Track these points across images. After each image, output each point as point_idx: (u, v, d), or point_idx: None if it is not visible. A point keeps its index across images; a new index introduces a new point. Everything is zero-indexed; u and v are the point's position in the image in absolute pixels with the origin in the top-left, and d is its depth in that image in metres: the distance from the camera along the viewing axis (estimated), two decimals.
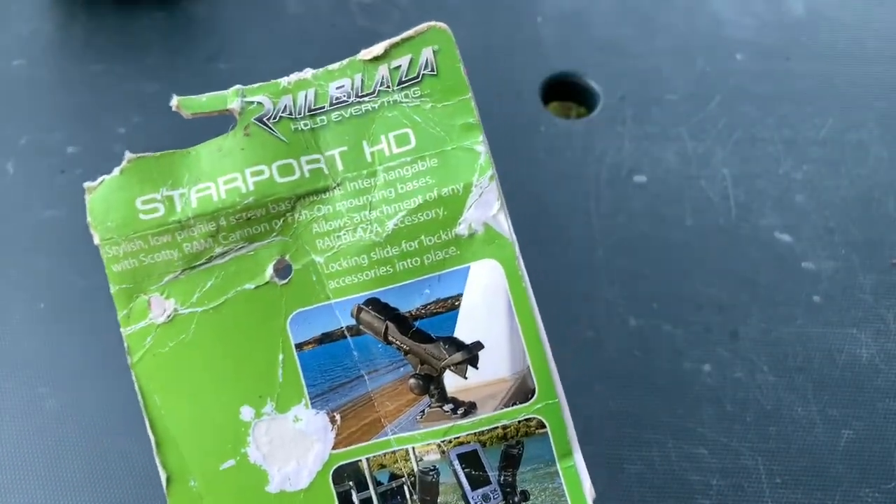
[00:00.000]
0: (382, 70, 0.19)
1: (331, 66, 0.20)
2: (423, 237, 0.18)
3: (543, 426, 0.19)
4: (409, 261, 0.18)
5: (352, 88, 0.19)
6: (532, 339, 0.19)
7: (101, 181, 0.19)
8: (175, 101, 0.19)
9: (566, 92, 0.46)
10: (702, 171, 0.41)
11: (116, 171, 0.19)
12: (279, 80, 0.19)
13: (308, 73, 0.20)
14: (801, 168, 0.42)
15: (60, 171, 0.40)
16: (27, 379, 0.35)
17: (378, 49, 0.19)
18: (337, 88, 0.19)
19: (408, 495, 0.18)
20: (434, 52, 0.20)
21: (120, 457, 0.33)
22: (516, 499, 0.18)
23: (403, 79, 0.19)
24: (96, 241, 0.19)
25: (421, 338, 0.18)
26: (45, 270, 0.37)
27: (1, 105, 0.43)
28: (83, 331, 0.36)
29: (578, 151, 0.42)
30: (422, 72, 0.19)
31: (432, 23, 0.20)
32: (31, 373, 0.35)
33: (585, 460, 0.33)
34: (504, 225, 0.19)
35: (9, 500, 0.32)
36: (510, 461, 0.18)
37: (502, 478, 0.18)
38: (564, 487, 0.19)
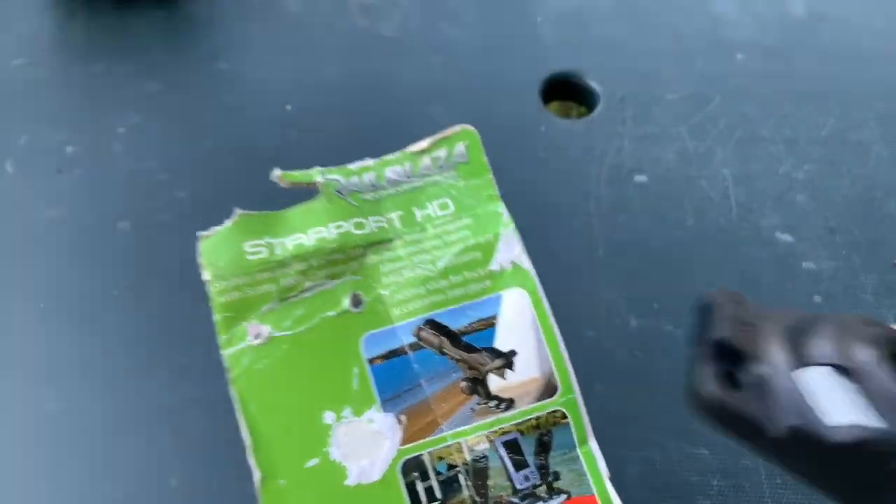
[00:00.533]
0: (426, 159, 0.24)
1: (386, 157, 0.25)
2: (465, 273, 0.23)
3: (566, 417, 0.23)
4: (455, 290, 0.23)
5: (403, 171, 0.24)
6: (553, 346, 0.23)
7: (214, 231, 0.23)
8: (277, 173, 0.24)
9: (566, 92, 0.46)
10: (702, 171, 0.41)
11: (228, 222, 0.23)
12: (348, 166, 0.25)
13: (369, 161, 0.25)
14: (801, 168, 0.42)
15: (59, 171, 0.40)
16: (27, 378, 0.34)
17: (423, 144, 0.25)
18: (392, 172, 0.24)
19: (462, 481, 0.22)
20: (465, 146, 0.25)
21: (121, 456, 0.33)
22: (550, 478, 0.22)
23: (442, 164, 0.25)
24: (206, 277, 0.23)
25: (469, 349, 0.22)
26: (44, 270, 0.37)
27: (1, 105, 0.43)
28: (83, 331, 0.36)
29: (579, 151, 0.42)
30: (455, 160, 0.25)
31: (465, 126, 0.25)
32: (31, 373, 0.35)
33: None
34: (525, 262, 0.24)
35: (10, 499, 0.32)
36: (543, 447, 0.22)
37: (538, 461, 0.22)
38: (585, 468, 0.23)
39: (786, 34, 0.46)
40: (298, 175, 0.24)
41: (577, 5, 0.48)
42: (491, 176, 0.25)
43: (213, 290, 0.23)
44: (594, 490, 0.23)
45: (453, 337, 0.22)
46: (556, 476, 0.22)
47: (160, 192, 0.40)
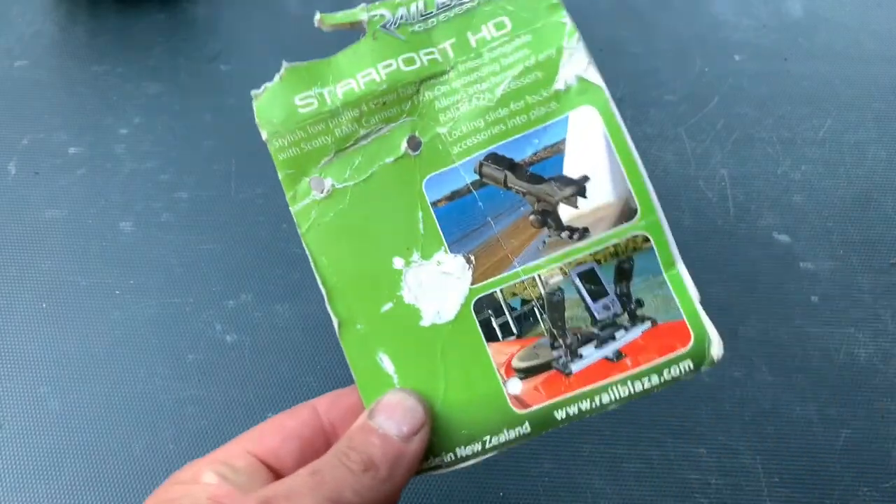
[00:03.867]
0: None
1: None
2: (527, 97, 0.22)
3: (648, 241, 0.22)
4: (517, 118, 0.22)
5: None
6: (630, 166, 0.22)
7: (265, 88, 0.23)
8: (318, 16, 0.23)
9: None
10: (700, 172, 0.42)
11: (277, 77, 0.23)
12: None
13: None
14: (799, 168, 0.42)
15: (62, 172, 0.41)
16: (29, 378, 0.35)
17: None
18: None
19: (538, 315, 0.22)
20: None
21: (121, 456, 0.33)
22: (632, 306, 0.21)
23: None
24: (264, 136, 0.23)
25: (536, 180, 0.21)
26: (47, 270, 0.37)
27: (3, 106, 0.43)
28: (85, 331, 0.36)
29: None
30: None
31: None
32: (33, 372, 0.35)
33: (583, 458, 0.33)
34: (595, 76, 0.22)
35: (11, 499, 0.32)
36: (623, 274, 0.21)
37: (618, 289, 0.21)
38: (672, 292, 0.21)
39: (783, 35, 0.47)
40: (340, 16, 0.23)
41: (575, 6, 0.48)
42: None
43: (272, 148, 0.23)
44: (683, 315, 0.21)
45: (518, 169, 0.22)
46: (640, 303, 0.21)
47: (161, 192, 0.40)
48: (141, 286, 0.37)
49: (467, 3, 0.23)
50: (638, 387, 0.21)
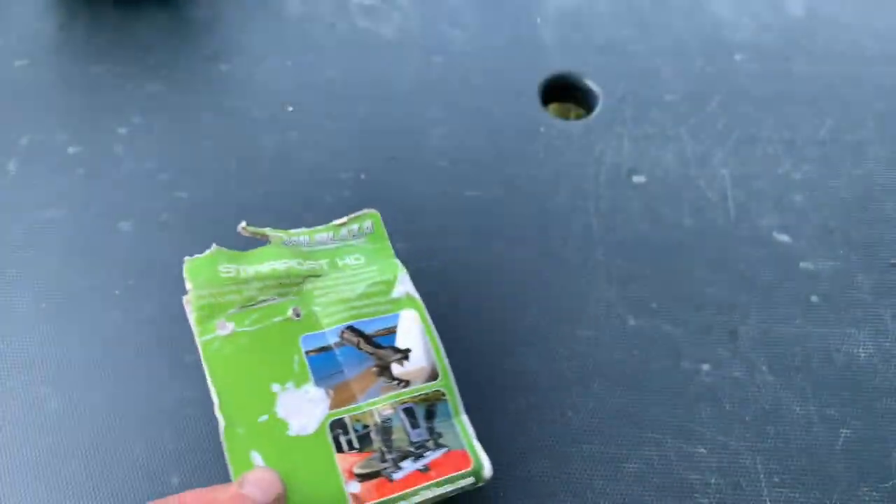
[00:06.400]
0: (344, 230, 0.35)
1: (317, 227, 0.34)
2: (374, 298, 0.32)
3: (444, 395, 0.31)
4: (368, 308, 0.32)
5: (328, 237, 0.34)
6: (436, 348, 0.32)
7: (196, 256, 0.31)
8: (243, 224, 0.33)
9: (566, 93, 0.46)
10: (701, 172, 0.42)
11: (207, 252, 0.31)
12: (290, 230, 0.34)
13: (304, 229, 0.34)
14: (800, 168, 0.42)
15: (62, 172, 0.41)
16: (29, 379, 0.35)
17: (343, 220, 0.35)
18: (320, 237, 0.34)
19: (374, 436, 0.30)
20: (372, 223, 0.35)
21: (121, 457, 0.33)
22: (435, 436, 0.30)
23: (355, 234, 0.35)
24: (188, 287, 0.31)
25: (377, 346, 0.32)
26: (46, 270, 0.37)
27: (3, 105, 0.43)
28: (84, 331, 0.36)
29: (578, 152, 0.42)
30: (364, 232, 0.35)
31: (371, 210, 0.35)
32: (32, 373, 0.35)
33: (583, 458, 0.33)
34: (415, 294, 0.33)
35: (11, 499, 0.32)
36: (430, 414, 0.31)
37: (427, 424, 0.31)
38: (459, 431, 0.31)
39: (784, 35, 0.47)
40: (257, 230, 0.33)
41: (576, 7, 0.48)
42: (389, 243, 0.35)
43: (193, 296, 0.31)
44: (465, 447, 0.31)
45: (367, 338, 0.32)
46: (440, 435, 0.31)
47: (161, 192, 0.40)
48: (141, 286, 0.37)
49: (338, 243, 0.34)
50: (439, 491, 0.29)
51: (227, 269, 0.31)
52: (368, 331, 0.31)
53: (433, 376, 0.31)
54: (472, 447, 0.31)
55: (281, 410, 0.29)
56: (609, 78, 0.45)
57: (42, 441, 0.33)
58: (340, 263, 0.33)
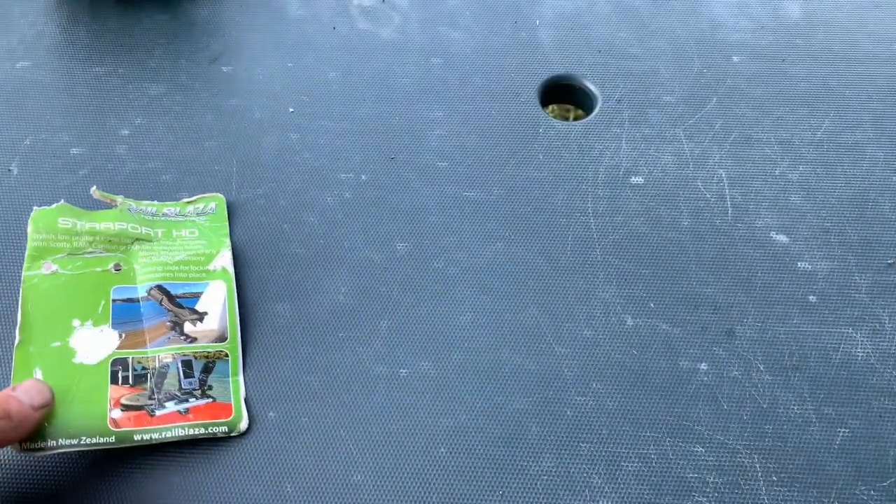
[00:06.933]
0: (190, 207, 0.39)
1: (167, 202, 0.39)
2: (191, 266, 0.37)
3: (227, 356, 0.35)
4: (182, 274, 0.37)
5: (175, 211, 0.39)
6: (232, 316, 0.36)
7: (42, 208, 0.37)
8: (94, 188, 0.38)
9: (564, 94, 0.47)
10: (698, 172, 0.42)
11: (55, 205, 0.37)
12: (141, 201, 0.39)
13: (156, 202, 0.39)
14: (797, 169, 0.42)
15: (64, 173, 0.41)
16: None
17: (192, 199, 0.40)
18: (168, 210, 0.39)
19: (149, 378, 0.34)
20: (216, 204, 0.40)
21: (122, 456, 0.33)
22: (205, 388, 0.34)
23: (199, 212, 0.39)
24: (29, 230, 0.36)
25: (178, 306, 0.36)
26: None
27: (6, 107, 0.43)
28: None
29: (576, 153, 0.42)
30: (208, 211, 0.39)
31: (217, 193, 0.40)
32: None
33: (582, 457, 0.33)
34: (231, 270, 0.37)
35: (11, 498, 0.32)
36: (207, 369, 0.35)
37: (201, 377, 0.35)
38: (231, 388, 0.35)
39: (781, 37, 0.47)
40: (107, 195, 0.38)
41: (574, 9, 0.48)
42: (226, 224, 0.39)
43: (29, 238, 0.36)
44: (232, 401, 0.34)
45: (171, 297, 0.36)
46: (210, 388, 0.34)
47: (163, 193, 0.40)
48: None
49: (181, 217, 0.39)
50: (191, 431, 0.33)
51: (65, 222, 0.36)
52: (175, 292, 0.36)
53: (222, 339, 0.35)
54: (237, 403, 0.34)
55: (73, 341, 0.34)
56: (607, 79, 0.45)
57: None
58: (175, 234, 0.38)
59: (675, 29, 0.47)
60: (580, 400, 0.35)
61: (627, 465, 0.34)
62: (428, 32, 0.47)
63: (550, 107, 0.47)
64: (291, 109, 0.44)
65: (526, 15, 0.48)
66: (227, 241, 0.38)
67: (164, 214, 0.39)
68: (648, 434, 0.34)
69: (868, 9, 0.48)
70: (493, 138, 0.43)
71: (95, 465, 0.33)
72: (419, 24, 0.47)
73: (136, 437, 0.32)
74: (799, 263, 0.39)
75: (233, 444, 0.34)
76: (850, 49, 0.46)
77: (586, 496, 0.33)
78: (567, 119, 0.47)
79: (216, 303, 0.36)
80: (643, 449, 0.34)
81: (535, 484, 0.33)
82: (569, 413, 0.35)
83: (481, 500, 0.33)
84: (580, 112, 0.46)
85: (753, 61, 0.46)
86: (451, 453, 0.34)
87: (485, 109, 0.44)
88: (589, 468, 0.34)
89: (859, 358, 0.36)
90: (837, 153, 0.42)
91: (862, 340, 0.37)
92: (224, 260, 0.37)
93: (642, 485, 0.33)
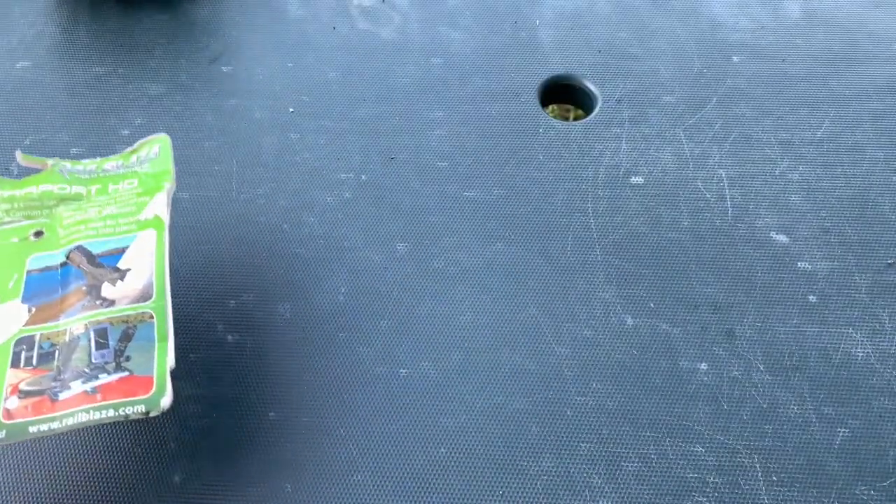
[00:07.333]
0: (134, 157, 0.35)
1: (109, 157, 0.35)
2: (120, 219, 0.32)
3: (152, 317, 0.30)
4: (108, 230, 0.32)
5: (117, 165, 0.35)
6: (160, 268, 0.31)
7: None
8: (19, 154, 0.34)
9: (564, 94, 0.47)
10: (698, 172, 0.42)
11: None
12: (80, 160, 0.35)
13: (97, 158, 0.35)
14: (797, 169, 0.42)
15: None
16: None
17: (134, 147, 0.35)
18: (110, 165, 0.35)
19: (56, 355, 0.29)
20: (159, 147, 0.35)
21: (122, 456, 0.33)
22: (121, 359, 0.29)
23: (143, 160, 0.35)
24: None
25: (98, 265, 0.31)
26: None
27: (6, 107, 0.43)
28: None
29: (576, 153, 0.42)
30: (151, 156, 0.35)
31: (161, 135, 0.35)
32: None
33: (582, 457, 0.34)
34: (165, 216, 0.32)
35: (11, 498, 0.32)
36: (125, 336, 0.29)
37: (118, 346, 0.29)
38: (155, 357, 0.29)
39: (781, 37, 0.47)
40: (34, 158, 0.34)
41: (574, 9, 0.48)
42: (171, 166, 0.34)
43: None
44: (154, 374, 0.29)
45: (91, 258, 0.31)
46: (128, 358, 0.29)
47: None
48: None
49: (123, 169, 0.34)
50: (98, 415, 0.28)
51: None
52: (97, 251, 0.31)
53: (146, 297, 0.30)
54: (161, 375, 0.29)
55: None
56: (607, 79, 0.45)
57: (42, 441, 0.34)
58: (111, 189, 0.33)
59: (675, 29, 0.47)
60: (580, 400, 0.35)
61: (627, 465, 0.34)
62: (428, 32, 0.47)
63: (550, 107, 0.47)
64: (291, 109, 0.44)
65: (526, 15, 0.48)
66: (167, 184, 0.33)
67: (104, 171, 0.34)
68: (648, 434, 0.34)
69: (868, 9, 0.48)
70: (493, 138, 0.43)
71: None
72: (419, 24, 0.47)
73: (32, 430, 0.27)
74: (799, 263, 0.39)
75: (233, 444, 0.33)
76: (850, 49, 0.46)
77: (586, 496, 0.33)
78: (567, 119, 0.47)
79: (141, 256, 0.31)
80: (643, 449, 0.34)
81: (535, 484, 0.33)
82: (569, 413, 0.35)
83: (481, 500, 0.33)
84: (580, 112, 0.46)
85: (753, 61, 0.46)
86: (451, 453, 0.34)
87: (485, 109, 0.44)
88: (589, 468, 0.34)
89: (859, 358, 0.36)
90: (837, 153, 0.42)
91: (862, 340, 0.37)
92: (157, 205, 0.32)
93: (642, 485, 0.33)
